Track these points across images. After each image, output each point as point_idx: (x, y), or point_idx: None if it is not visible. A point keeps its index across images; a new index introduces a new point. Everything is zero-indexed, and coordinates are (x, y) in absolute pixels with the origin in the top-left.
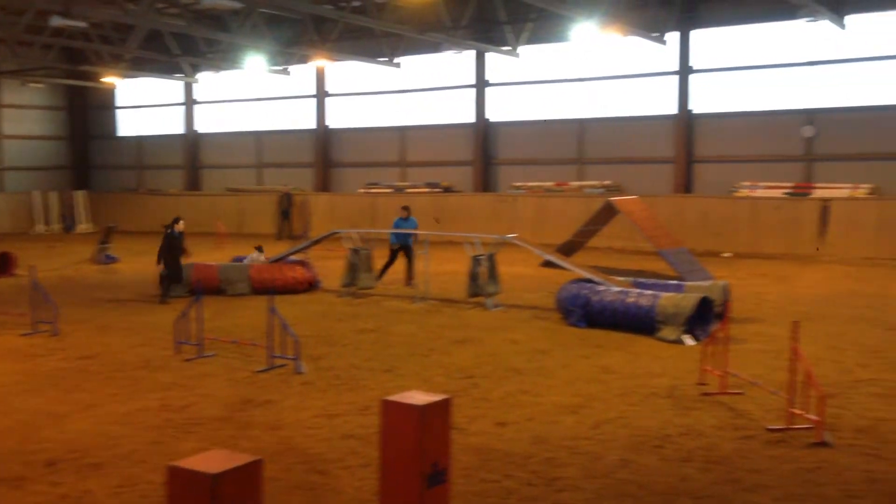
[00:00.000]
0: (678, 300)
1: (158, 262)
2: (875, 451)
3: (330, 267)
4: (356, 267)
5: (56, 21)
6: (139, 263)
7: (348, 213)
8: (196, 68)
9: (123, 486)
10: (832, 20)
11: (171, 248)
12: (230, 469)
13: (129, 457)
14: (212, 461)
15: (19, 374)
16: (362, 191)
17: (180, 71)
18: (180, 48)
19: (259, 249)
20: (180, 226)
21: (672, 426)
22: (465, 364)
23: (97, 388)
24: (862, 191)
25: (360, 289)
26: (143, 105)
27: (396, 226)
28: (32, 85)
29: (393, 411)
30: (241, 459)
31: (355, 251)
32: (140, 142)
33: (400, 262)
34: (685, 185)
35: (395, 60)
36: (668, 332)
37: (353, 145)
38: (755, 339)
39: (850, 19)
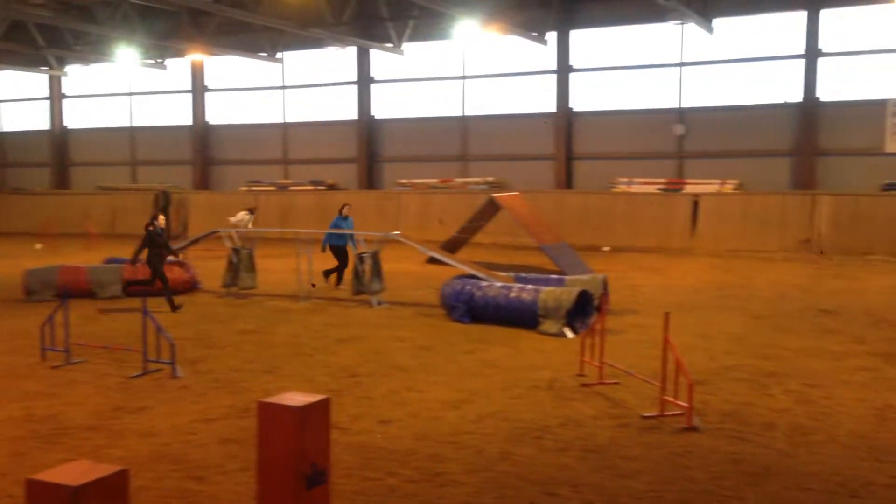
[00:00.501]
0: (558, 294)
1: (134, 262)
2: (739, 433)
3: (210, 267)
4: (237, 267)
5: None
6: (2, 266)
7: (230, 212)
8: (63, 61)
9: None
10: (699, 24)
11: (156, 247)
12: (92, 481)
13: None
14: (73, 473)
15: None
16: (244, 189)
17: (46, 64)
18: (46, 40)
19: (251, 212)
20: (161, 221)
21: (552, 417)
22: (348, 363)
23: None
24: (728, 186)
25: (242, 289)
26: (5, 99)
27: (336, 226)
28: None
29: (270, 413)
30: (104, 470)
31: (236, 251)
32: (1, 138)
33: (327, 263)
34: (566, 181)
35: (277, 56)
36: (549, 326)
37: (234, 142)
38: (631, 330)
39: (717, 23)
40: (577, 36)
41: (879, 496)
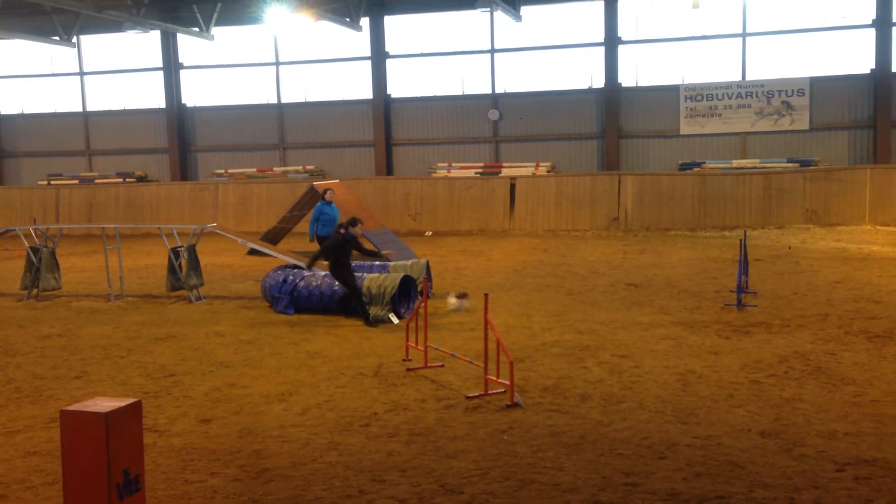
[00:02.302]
0: (381, 280)
1: (310, 266)
2: (558, 407)
3: (7, 268)
4: (38, 267)
5: None
6: None
7: (28, 208)
8: None
9: None
10: (507, 11)
11: (344, 256)
12: None
13: None
14: None
15: None
16: (42, 183)
17: None
18: None
19: (461, 297)
20: (358, 229)
21: (379, 404)
22: (166, 362)
23: None
24: (542, 169)
25: (44, 290)
26: None
27: (321, 212)
28: None
29: (74, 421)
30: None
31: (34, 249)
32: None
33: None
34: (386, 167)
35: (72, 40)
36: (374, 312)
37: (29, 133)
38: (455, 312)
39: (524, 11)
40: (391, 22)
41: (684, 455)
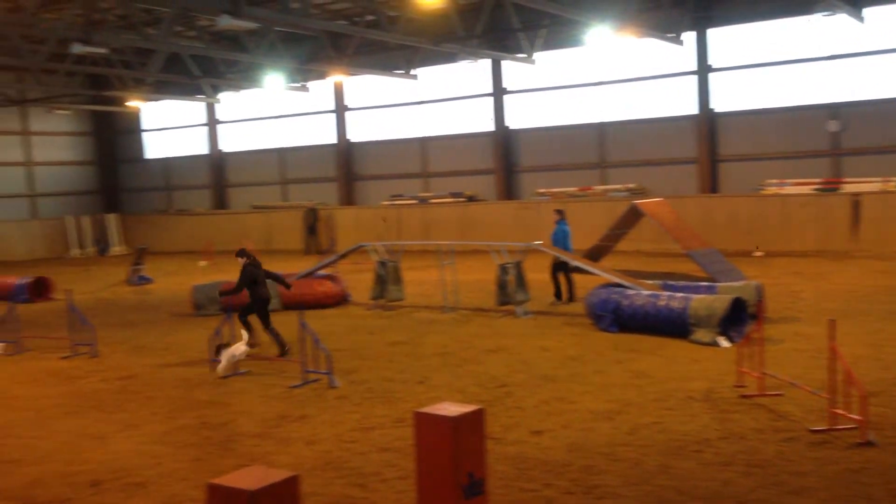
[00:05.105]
0: (710, 302)
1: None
2: None
3: (358, 280)
4: (384, 279)
5: (77, 49)
6: (172, 283)
7: (374, 226)
8: (217, 89)
9: None
10: (850, 14)
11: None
12: (268, 485)
13: (171, 475)
14: (250, 478)
15: (60, 397)
16: (386, 203)
17: (202, 92)
18: (200, 70)
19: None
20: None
21: (711, 430)
22: (497, 373)
23: (137, 408)
24: (893, 184)
25: (389, 301)
26: (168, 127)
27: (563, 234)
28: (59, 112)
29: (426, 423)
30: (278, 475)
31: (382, 263)
32: (167, 163)
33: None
34: (711, 185)
35: (412, 72)
36: (702, 335)
37: (375, 158)
38: (792, 338)
39: (868, 12)
40: (715, 34)
41: None
